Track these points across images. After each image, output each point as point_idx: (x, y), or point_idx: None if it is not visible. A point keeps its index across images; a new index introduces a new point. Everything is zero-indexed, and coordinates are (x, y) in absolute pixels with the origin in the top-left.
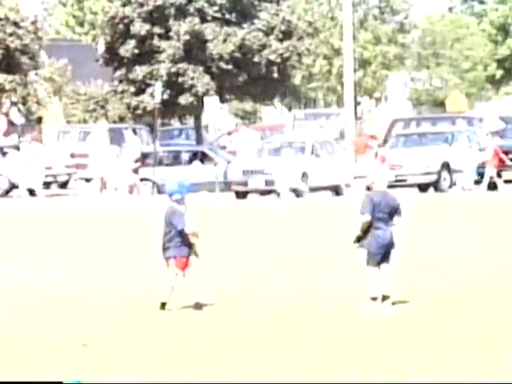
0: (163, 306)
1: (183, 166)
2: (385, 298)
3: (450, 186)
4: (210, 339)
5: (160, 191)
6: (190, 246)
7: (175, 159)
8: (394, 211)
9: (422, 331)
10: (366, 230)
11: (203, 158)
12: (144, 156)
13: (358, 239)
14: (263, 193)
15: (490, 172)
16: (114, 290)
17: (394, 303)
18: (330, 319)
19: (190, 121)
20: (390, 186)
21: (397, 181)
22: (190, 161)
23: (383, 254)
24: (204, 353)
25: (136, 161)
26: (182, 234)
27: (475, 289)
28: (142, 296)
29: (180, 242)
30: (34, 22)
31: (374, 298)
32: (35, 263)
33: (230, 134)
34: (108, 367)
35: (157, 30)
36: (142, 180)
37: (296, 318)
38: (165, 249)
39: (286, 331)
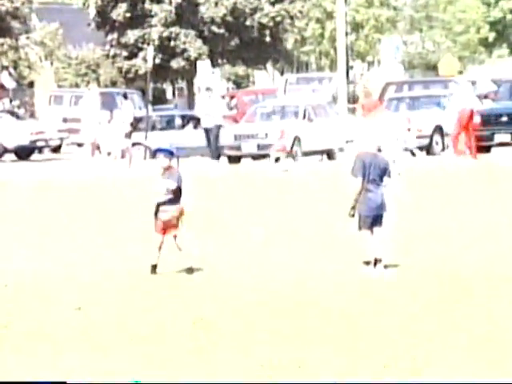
0: (154, 268)
1: (176, 130)
2: (377, 261)
3: (443, 150)
4: (201, 310)
5: (154, 156)
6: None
7: (168, 124)
8: (383, 173)
9: (415, 298)
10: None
11: (197, 122)
12: (137, 120)
13: (353, 208)
14: (256, 157)
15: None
16: (105, 257)
17: (386, 266)
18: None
19: (182, 84)
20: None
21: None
22: (183, 125)
23: (375, 217)
24: (196, 325)
25: (128, 125)
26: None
27: (468, 256)
28: (132, 263)
29: (168, 202)
30: None
31: (367, 262)
32: (23, 232)
33: (223, 97)
34: (99, 338)
35: None
36: (134, 144)
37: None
38: (155, 211)
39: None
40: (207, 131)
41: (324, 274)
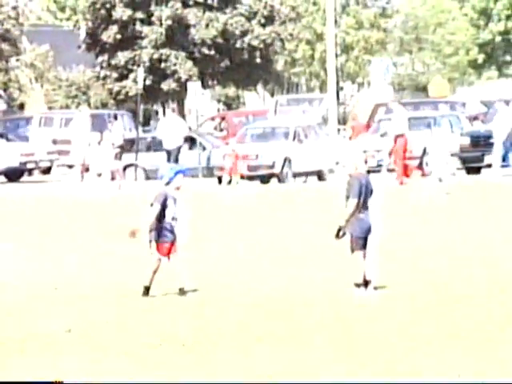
0: (147, 290)
1: None
2: (367, 282)
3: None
4: (193, 327)
5: (148, 177)
6: (173, 231)
7: (161, 145)
8: (371, 194)
9: (408, 318)
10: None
11: (191, 143)
12: (131, 142)
13: (339, 230)
14: (247, 178)
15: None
16: (97, 276)
17: (375, 288)
18: (318, 306)
19: (173, 106)
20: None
21: (378, 166)
22: None
23: (366, 238)
24: (188, 341)
25: (118, 147)
26: (165, 217)
27: (455, 273)
28: (125, 282)
29: (162, 226)
30: (14, 8)
31: (358, 285)
32: (15, 251)
33: (212, 119)
34: (91, 355)
35: (139, 15)
36: (127, 166)
37: (281, 306)
38: (150, 233)
39: (272, 318)
40: (168, 153)
41: (316, 284)
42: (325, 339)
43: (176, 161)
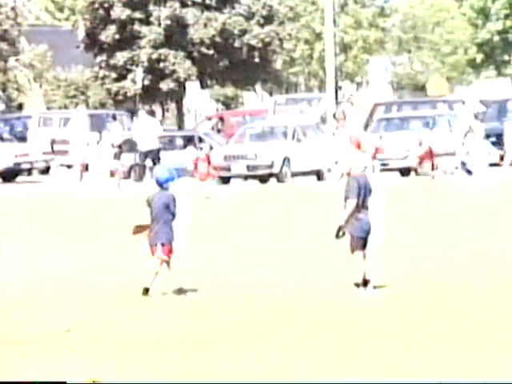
0: (146, 291)
1: (178, 150)
2: (367, 282)
3: (432, 170)
4: (193, 327)
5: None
6: (173, 231)
7: (170, 144)
8: (370, 194)
9: (406, 316)
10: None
11: (198, 142)
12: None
13: (339, 230)
14: (246, 178)
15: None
16: (97, 276)
17: (375, 287)
18: (319, 306)
19: (172, 106)
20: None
21: (380, 165)
22: (185, 146)
23: (366, 238)
24: (187, 341)
25: (117, 147)
26: (167, 219)
27: (455, 272)
28: (125, 282)
29: (165, 227)
30: (13, 8)
31: (358, 284)
32: (17, 250)
33: (210, 119)
34: (90, 356)
35: (137, 15)
36: (134, 166)
37: (280, 305)
38: (151, 234)
39: (271, 317)
40: (145, 154)
41: (315, 284)
42: (325, 339)
43: (156, 163)
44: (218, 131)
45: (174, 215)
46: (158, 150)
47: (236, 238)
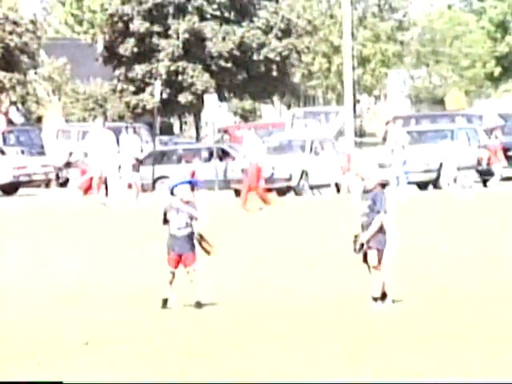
0: (165, 302)
1: (203, 163)
2: (385, 295)
3: (449, 184)
4: (210, 338)
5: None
6: (192, 242)
7: (195, 156)
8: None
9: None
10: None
11: (223, 155)
12: (162, 154)
13: (362, 245)
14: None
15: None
16: (115, 286)
17: (393, 301)
18: (335, 322)
19: (190, 119)
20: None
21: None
22: (209, 158)
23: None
24: (204, 352)
25: (135, 159)
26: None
27: (473, 285)
28: (143, 292)
29: (171, 239)
30: (33, 21)
31: (376, 298)
32: (35, 259)
33: (220, 131)
34: (108, 366)
35: (156, 28)
36: (159, 178)
37: (302, 319)
38: (168, 244)
39: (290, 331)
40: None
41: (329, 294)
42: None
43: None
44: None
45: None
46: (139, 163)
47: (253, 249)
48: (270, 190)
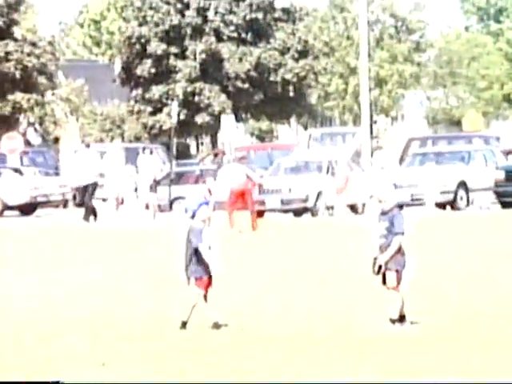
0: (184, 325)
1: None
2: (403, 317)
3: (467, 205)
4: (228, 361)
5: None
6: (206, 264)
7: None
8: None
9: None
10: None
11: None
12: (179, 175)
13: (380, 266)
14: (280, 211)
15: None
16: (132, 308)
17: (412, 323)
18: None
19: (207, 140)
20: (403, 206)
21: (413, 200)
22: None
23: None
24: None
25: (153, 180)
26: (197, 251)
27: (487, 307)
28: (161, 315)
29: (197, 260)
30: (51, 43)
31: (394, 321)
32: (50, 281)
33: (216, 155)
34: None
35: (173, 49)
36: (176, 199)
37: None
38: (186, 267)
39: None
40: (84, 188)
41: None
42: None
43: (90, 197)
44: (219, 166)
45: (202, 248)
46: (94, 185)
47: (269, 270)
48: (261, 213)
